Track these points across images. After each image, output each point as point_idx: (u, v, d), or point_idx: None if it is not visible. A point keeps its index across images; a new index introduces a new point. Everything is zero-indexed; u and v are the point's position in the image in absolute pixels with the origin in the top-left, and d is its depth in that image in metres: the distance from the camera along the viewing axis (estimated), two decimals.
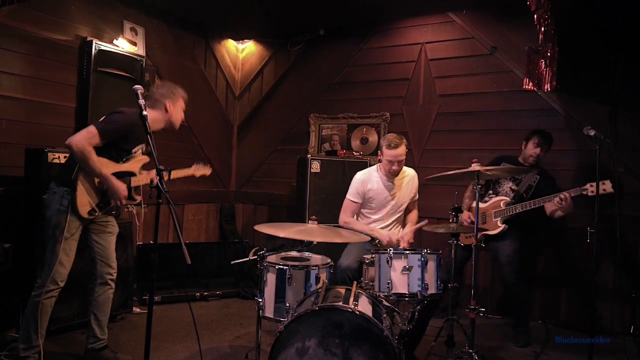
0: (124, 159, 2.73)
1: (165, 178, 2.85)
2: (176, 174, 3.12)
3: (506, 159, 3.62)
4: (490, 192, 3.67)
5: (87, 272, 3.01)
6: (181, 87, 2.87)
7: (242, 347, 3.16)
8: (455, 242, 2.77)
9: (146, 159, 2.85)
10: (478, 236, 3.43)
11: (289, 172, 5.11)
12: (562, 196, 3.20)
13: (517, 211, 3.43)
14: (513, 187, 3.60)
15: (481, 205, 3.57)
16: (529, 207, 3.38)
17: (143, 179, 2.83)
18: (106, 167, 2.60)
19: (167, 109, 2.77)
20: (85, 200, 2.59)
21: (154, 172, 2.77)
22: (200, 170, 3.30)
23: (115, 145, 2.64)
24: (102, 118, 2.65)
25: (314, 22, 5.03)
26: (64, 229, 2.52)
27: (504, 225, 3.47)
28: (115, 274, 2.83)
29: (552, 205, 3.31)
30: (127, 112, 2.63)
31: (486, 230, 3.51)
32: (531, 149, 3.53)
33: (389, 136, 3.18)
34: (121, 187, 2.64)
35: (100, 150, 2.56)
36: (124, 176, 2.72)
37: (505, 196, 3.58)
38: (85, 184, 2.59)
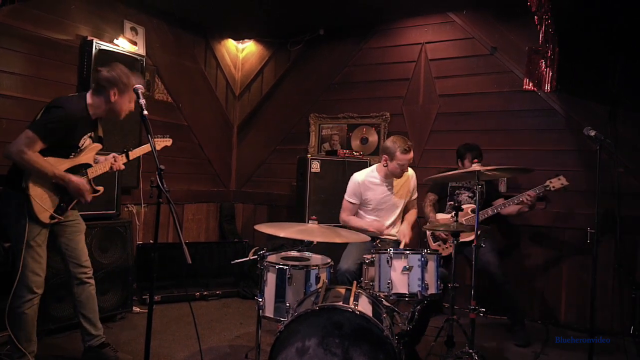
0: (73, 154, 2.56)
1: (125, 160, 2.75)
2: (134, 153, 2.84)
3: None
4: (450, 203, 3.79)
5: None
6: (135, 76, 2.59)
7: (242, 346, 3.16)
8: (455, 241, 2.77)
9: (98, 146, 2.68)
10: (450, 245, 3.53)
11: (289, 172, 5.11)
12: (529, 196, 3.45)
13: (489, 215, 3.59)
14: (470, 195, 3.80)
15: (447, 216, 3.68)
16: (499, 209, 3.59)
17: (101, 167, 2.67)
18: (58, 165, 2.44)
19: (111, 98, 2.52)
20: (42, 207, 2.42)
21: (110, 156, 2.72)
22: (160, 143, 3.06)
23: (61, 143, 2.46)
24: (39, 115, 2.44)
25: (314, 22, 5.03)
26: (26, 237, 2.38)
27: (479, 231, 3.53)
28: (90, 272, 2.73)
29: (517, 206, 3.55)
30: (66, 105, 2.43)
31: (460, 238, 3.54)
32: (468, 165, 3.62)
33: (399, 141, 3.15)
34: (80, 182, 2.51)
35: (45, 151, 2.40)
36: (80, 169, 2.58)
37: (469, 204, 3.72)
38: (38, 188, 2.41)
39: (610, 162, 3.67)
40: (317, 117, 5.21)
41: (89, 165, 2.64)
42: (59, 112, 2.40)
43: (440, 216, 3.78)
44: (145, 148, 2.90)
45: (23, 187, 2.38)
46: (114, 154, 2.75)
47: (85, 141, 2.61)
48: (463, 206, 3.69)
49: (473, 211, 3.62)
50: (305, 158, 4.34)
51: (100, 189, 2.71)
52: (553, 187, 3.46)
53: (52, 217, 2.49)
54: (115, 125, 3.70)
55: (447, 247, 3.66)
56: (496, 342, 3.47)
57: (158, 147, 2.98)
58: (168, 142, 3.10)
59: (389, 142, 3.20)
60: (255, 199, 5.57)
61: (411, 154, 3.16)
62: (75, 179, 2.49)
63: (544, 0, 2.98)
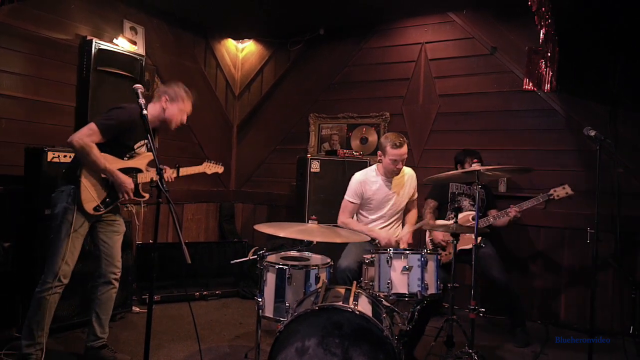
0: (128, 156, 2.73)
1: (175, 175, 2.88)
2: (185, 171, 3.02)
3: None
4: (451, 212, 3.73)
5: (88, 271, 3.02)
6: (191, 92, 2.83)
7: (242, 346, 3.16)
8: (455, 242, 2.77)
9: (151, 155, 2.79)
10: (450, 252, 3.51)
11: (288, 171, 5.11)
12: (513, 211, 3.49)
13: (490, 222, 3.59)
14: (472, 202, 3.77)
15: (448, 223, 3.60)
16: (499, 217, 3.58)
17: (150, 175, 2.80)
18: (111, 163, 2.61)
19: (163, 106, 2.75)
20: (90, 196, 2.59)
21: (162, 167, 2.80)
22: (211, 168, 3.24)
23: (117, 141, 2.63)
24: (104, 114, 2.64)
25: (314, 21, 5.03)
26: (71, 225, 2.53)
27: (480, 237, 3.51)
28: (119, 274, 2.83)
29: (507, 218, 3.55)
30: (127, 107, 2.62)
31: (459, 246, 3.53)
32: (469, 168, 3.57)
33: (391, 136, 3.18)
34: (127, 180, 2.64)
35: (103, 147, 2.57)
36: (130, 172, 2.72)
37: (468, 212, 3.71)
38: (89, 180, 2.59)
39: (610, 162, 3.67)
40: (317, 117, 5.21)
41: (140, 171, 2.77)
42: (119, 112, 2.60)
43: (441, 222, 3.75)
44: (196, 169, 3.12)
45: (77, 175, 2.55)
46: (165, 166, 2.83)
47: (142, 147, 2.78)
48: (462, 213, 3.67)
49: (474, 218, 3.58)
50: (305, 158, 4.34)
51: (146, 195, 2.83)
52: (557, 196, 3.46)
53: (96, 209, 2.62)
54: None
55: (447, 254, 3.63)
56: (496, 342, 3.47)
57: (209, 172, 3.23)
58: (220, 169, 3.29)
59: (382, 138, 3.22)
60: (255, 198, 5.56)
61: (402, 150, 3.11)
62: (122, 175, 2.63)
63: (544, 0, 2.97)
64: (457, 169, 3.79)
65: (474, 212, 3.61)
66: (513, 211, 3.49)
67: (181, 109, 2.79)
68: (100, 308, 2.78)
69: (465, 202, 3.80)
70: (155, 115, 2.74)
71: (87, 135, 2.50)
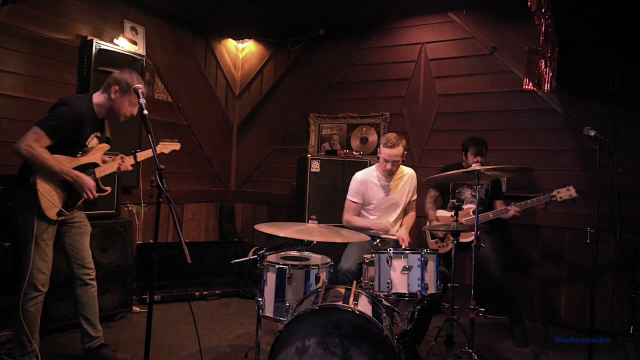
0: (81, 152, 2.59)
1: (132, 162, 2.77)
2: (142, 155, 2.82)
3: (452, 167, 3.63)
4: (453, 201, 3.70)
5: None
6: (143, 82, 2.65)
7: (242, 346, 3.17)
8: (455, 241, 2.77)
9: (106, 146, 2.71)
10: (449, 245, 3.50)
11: (288, 171, 5.11)
12: (513, 210, 3.44)
13: (490, 218, 3.54)
14: (474, 194, 3.70)
15: (448, 213, 3.62)
16: (500, 214, 3.53)
17: (108, 167, 2.68)
18: (65, 163, 2.48)
19: (112, 96, 2.56)
20: (49, 203, 2.46)
21: (118, 157, 2.74)
22: (168, 146, 3.02)
23: (67, 140, 2.50)
24: (47, 113, 2.50)
25: (314, 21, 5.03)
26: (34, 234, 2.42)
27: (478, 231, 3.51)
28: (93, 273, 2.76)
29: (511, 212, 3.48)
30: (72, 102, 2.48)
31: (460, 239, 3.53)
32: (472, 159, 3.58)
33: (389, 135, 3.19)
34: (86, 179, 2.52)
35: (52, 148, 2.43)
36: (87, 169, 2.60)
37: (470, 204, 3.67)
38: (46, 185, 2.45)
39: (610, 161, 3.68)
40: (317, 116, 5.21)
41: (96, 165, 2.66)
42: (64, 109, 2.45)
43: (440, 213, 3.76)
44: (150, 151, 2.89)
45: (31, 183, 2.41)
46: (121, 154, 2.77)
47: (92, 140, 2.65)
48: (464, 206, 3.66)
49: (474, 212, 3.58)
50: (305, 158, 4.34)
51: (108, 189, 2.73)
52: (560, 197, 3.37)
53: (59, 214, 2.52)
54: (115, 125, 3.70)
55: (444, 245, 3.65)
56: (496, 342, 3.47)
57: (167, 151, 3.03)
58: (177, 146, 3.10)
59: (382, 137, 3.22)
60: (255, 198, 5.57)
61: (393, 150, 3.10)
62: (82, 175, 2.52)
63: (543, 0, 2.97)
64: (463, 157, 3.74)
65: (474, 206, 3.60)
66: (513, 210, 3.47)
67: (132, 102, 2.60)
68: (85, 310, 2.73)
69: (467, 194, 3.75)
70: (100, 105, 2.59)
71: (35, 141, 2.35)
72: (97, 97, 2.61)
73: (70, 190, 2.55)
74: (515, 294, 3.54)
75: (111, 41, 4.06)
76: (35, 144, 2.36)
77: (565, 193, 3.37)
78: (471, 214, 3.61)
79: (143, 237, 4.39)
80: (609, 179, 3.60)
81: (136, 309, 3.75)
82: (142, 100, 2.17)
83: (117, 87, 2.56)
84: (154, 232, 2.03)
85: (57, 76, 3.75)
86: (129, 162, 2.76)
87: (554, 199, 3.39)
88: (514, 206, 3.48)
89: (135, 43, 4.25)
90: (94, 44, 3.80)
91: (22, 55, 3.54)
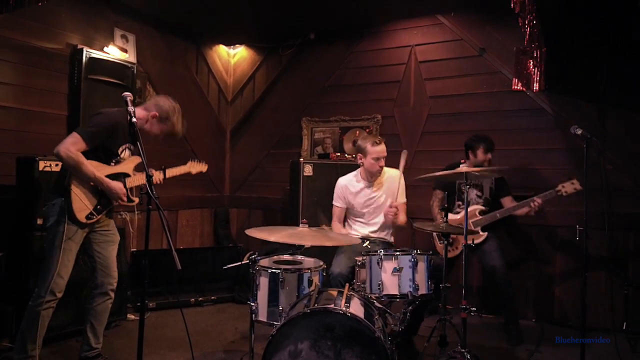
0: (114, 161, 2.72)
1: (161, 177, 2.88)
2: (171, 172, 3.03)
3: (454, 167, 3.56)
4: (459, 202, 3.70)
5: (82, 279, 3.03)
6: (184, 123, 2.89)
7: (237, 351, 3.17)
8: (446, 242, 2.78)
9: (138, 159, 2.81)
10: (458, 248, 3.51)
11: (282, 175, 5.12)
12: (537, 202, 3.37)
13: (496, 219, 3.53)
14: (478, 194, 3.70)
15: (456, 217, 3.62)
16: (506, 214, 3.52)
17: (138, 179, 2.80)
18: (98, 169, 2.60)
19: (149, 119, 2.77)
20: (81, 205, 2.59)
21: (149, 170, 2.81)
22: (196, 167, 3.22)
23: (102, 148, 2.64)
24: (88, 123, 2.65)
25: (305, 26, 5.06)
26: (63, 238, 2.52)
27: (485, 233, 3.53)
28: (115, 284, 2.82)
29: (526, 208, 3.44)
30: (108, 112, 2.64)
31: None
32: (482, 156, 3.58)
33: (368, 137, 3.27)
34: (118, 185, 2.65)
35: (88, 154, 2.56)
36: (119, 177, 2.72)
37: (476, 204, 3.66)
38: (79, 188, 2.59)
39: (599, 159, 3.71)
40: (310, 120, 5.23)
41: (127, 175, 2.78)
42: (100, 117, 2.62)
43: (450, 217, 3.70)
44: (182, 169, 3.12)
45: (65, 186, 2.55)
46: (152, 169, 2.79)
47: (125, 151, 2.76)
48: (469, 207, 3.58)
49: (481, 213, 3.58)
50: (298, 162, 4.35)
51: (136, 199, 2.82)
52: (565, 192, 3.32)
53: (88, 217, 2.62)
54: None
55: (454, 249, 3.60)
56: (490, 341, 3.48)
57: (194, 171, 3.21)
58: (204, 167, 3.27)
59: (360, 141, 3.29)
60: (250, 203, 5.57)
61: (383, 146, 3.19)
62: (112, 181, 2.64)
63: (527, 1, 3.01)
64: (467, 157, 3.68)
65: (480, 207, 3.61)
66: (537, 202, 3.34)
67: (162, 131, 2.83)
68: (96, 318, 2.77)
69: (472, 194, 3.70)
70: (140, 120, 2.74)
71: (72, 144, 2.50)
72: (138, 111, 2.73)
73: (100, 196, 2.67)
74: (513, 291, 3.55)
75: (102, 49, 4.07)
76: (73, 147, 2.50)
77: (570, 187, 3.31)
78: (477, 214, 3.59)
79: (137, 245, 4.38)
80: (599, 177, 3.63)
81: (131, 316, 3.75)
82: (131, 108, 2.18)
83: (157, 114, 2.76)
84: (145, 239, 2.03)
85: (48, 85, 3.76)
86: (158, 176, 2.87)
87: (559, 193, 3.34)
88: (536, 198, 3.37)
89: (125, 51, 4.26)
90: (84, 52, 3.80)
91: (13, 65, 3.54)
